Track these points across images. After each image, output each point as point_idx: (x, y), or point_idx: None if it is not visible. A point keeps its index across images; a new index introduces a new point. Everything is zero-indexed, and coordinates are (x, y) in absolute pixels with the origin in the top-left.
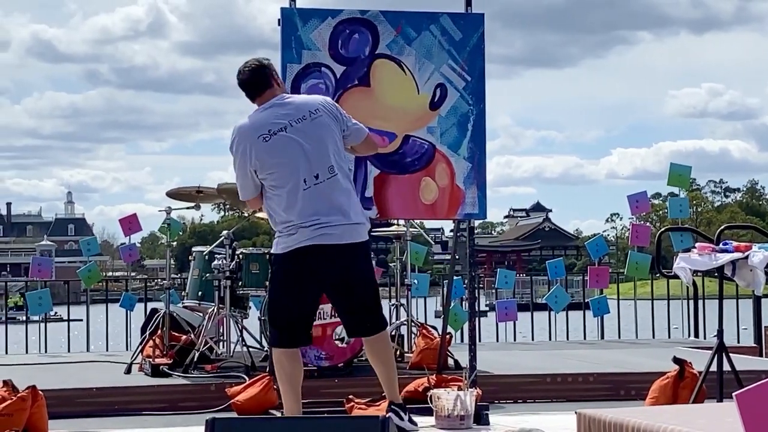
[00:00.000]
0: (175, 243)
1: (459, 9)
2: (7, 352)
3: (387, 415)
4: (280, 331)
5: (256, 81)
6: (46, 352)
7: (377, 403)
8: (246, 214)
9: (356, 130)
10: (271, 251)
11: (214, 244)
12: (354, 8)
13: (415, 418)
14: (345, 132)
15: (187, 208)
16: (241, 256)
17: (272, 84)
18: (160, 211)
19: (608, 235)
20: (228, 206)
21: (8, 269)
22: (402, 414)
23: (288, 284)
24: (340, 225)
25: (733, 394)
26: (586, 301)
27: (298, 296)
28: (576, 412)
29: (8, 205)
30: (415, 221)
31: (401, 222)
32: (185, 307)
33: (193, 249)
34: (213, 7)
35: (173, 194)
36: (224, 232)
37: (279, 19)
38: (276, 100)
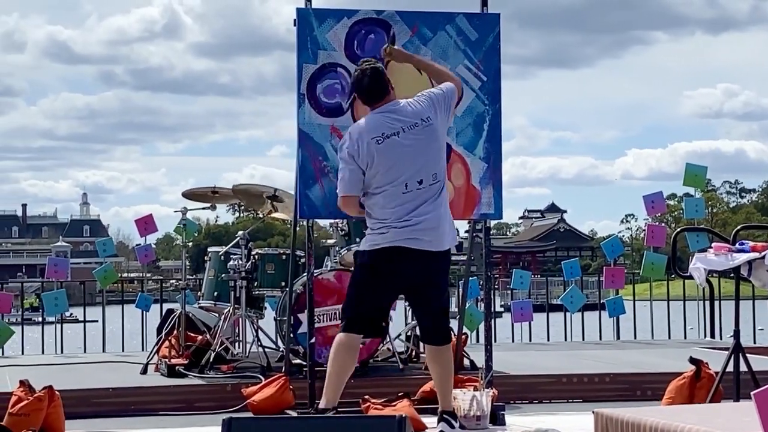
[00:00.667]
0: (190, 244)
1: (475, 9)
2: (23, 353)
3: (403, 415)
4: (352, 319)
5: (377, 88)
6: (62, 352)
7: (393, 404)
8: (261, 215)
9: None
10: (359, 248)
11: (230, 245)
12: (370, 8)
13: (432, 419)
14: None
15: (203, 208)
16: (256, 256)
17: (389, 89)
18: (175, 211)
19: (623, 236)
20: (243, 207)
21: (24, 270)
22: (453, 422)
23: (370, 279)
24: (432, 231)
25: (752, 393)
26: (601, 301)
27: (378, 292)
28: (593, 412)
29: (24, 206)
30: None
31: None
32: (201, 307)
33: (209, 249)
34: (228, 8)
35: (188, 195)
36: (240, 233)
37: (295, 20)
38: (391, 105)
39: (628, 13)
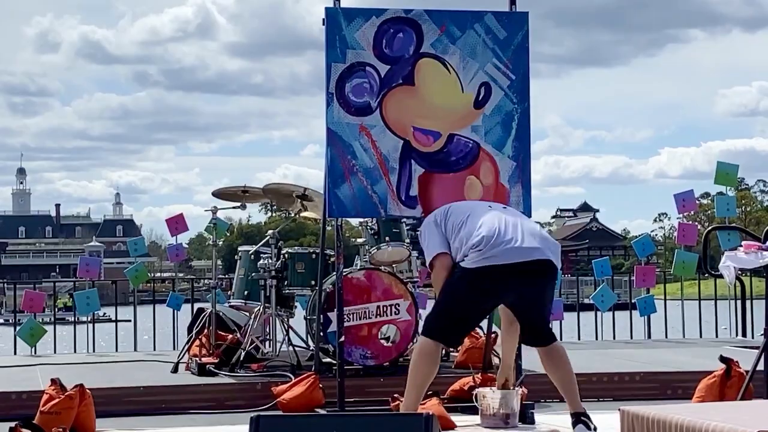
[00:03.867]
0: (222, 243)
1: (503, 7)
2: (55, 352)
3: (430, 413)
4: (447, 329)
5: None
6: (94, 351)
7: (422, 402)
8: (293, 214)
9: None
10: (464, 264)
11: (260, 244)
12: (398, 7)
13: (461, 417)
14: None
15: (233, 207)
16: (286, 255)
17: None
18: (206, 211)
19: (656, 235)
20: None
21: (57, 270)
22: (590, 423)
23: (479, 298)
24: (535, 239)
25: None
26: (632, 300)
27: (485, 310)
28: (619, 410)
29: (57, 206)
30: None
31: None
32: (231, 306)
33: (239, 249)
34: (261, 7)
35: (219, 194)
36: (270, 232)
37: (323, 19)
38: None
39: (664, 11)
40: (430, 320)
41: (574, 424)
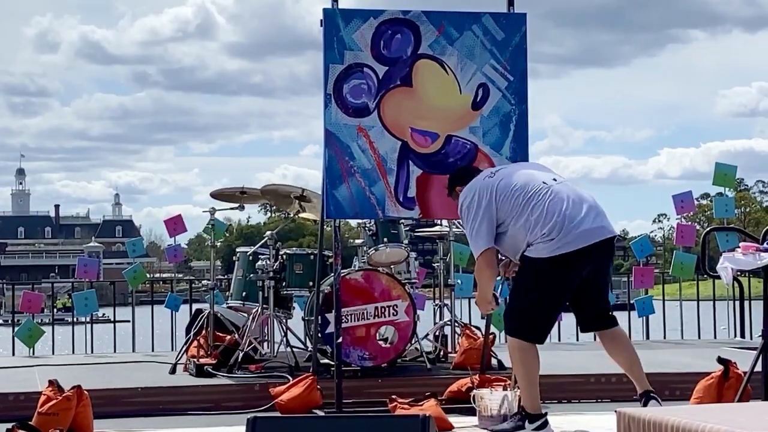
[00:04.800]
0: (221, 244)
1: (501, 9)
2: (53, 353)
3: (427, 414)
4: (534, 328)
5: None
6: (92, 352)
7: (420, 403)
8: (291, 215)
9: None
10: (535, 255)
11: (258, 245)
12: (396, 8)
13: (458, 418)
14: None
15: (231, 208)
16: (284, 256)
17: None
18: (204, 211)
19: (655, 235)
20: (274, 208)
21: (56, 271)
22: (658, 398)
23: (554, 290)
24: (598, 216)
25: None
26: (631, 301)
27: (563, 298)
28: (616, 411)
29: (56, 207)
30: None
31: (444, 222)
32: (229, 307)
33: (237, 250)
34: (261, 7)
35: (217, 195)
36: (268, 233)
37: (321, 20)
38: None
39: (665, 11)
40: (514, 321)
41: (645, 402)
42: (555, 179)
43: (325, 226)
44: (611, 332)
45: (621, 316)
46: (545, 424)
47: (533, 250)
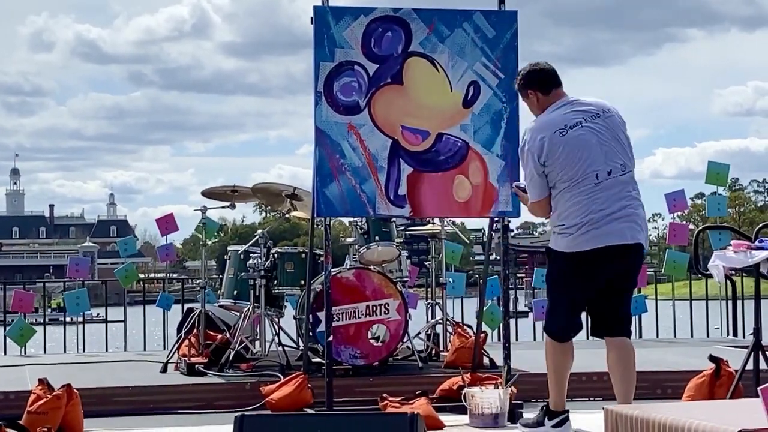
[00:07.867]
0: (216, 243)
1: (492, 6)
2: (45, 352)
3: (415, 412)
4: (566, 329)
5: (552, 72)
6: (84, 351)
7: (411, 402)
8: (285, 214)
9: None
10: (554, 247)
11: (249, 243)
12: (386, 6)
13: (449, 417)
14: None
15: (222, 207)
16: (276, 255)
17: (561, 83)
18: (195, 210)
19: (650, 235)
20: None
21: (51, 271)
22: None
23: (580, 283)
24: (631, 223)
25: (759, 388)
26: None
27: (587, 294)
28: (603, 409)
29: (51, 207)
30: (455, 220)
31: (437, 221)
32: (221, 306)
33: (229, 248)
34: (256, 6)
35: (208, 194)
36: (259, 231)
37: (312, 18)
38: (566, 100)
39: (663, 10)
40: (545, 317)
41: None
42: (610, 172)
43: (317, 225)
44: (620, 341)
45: None
46: (563, 421)
47: (553, 240)
